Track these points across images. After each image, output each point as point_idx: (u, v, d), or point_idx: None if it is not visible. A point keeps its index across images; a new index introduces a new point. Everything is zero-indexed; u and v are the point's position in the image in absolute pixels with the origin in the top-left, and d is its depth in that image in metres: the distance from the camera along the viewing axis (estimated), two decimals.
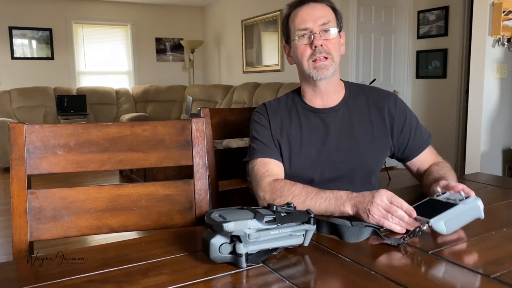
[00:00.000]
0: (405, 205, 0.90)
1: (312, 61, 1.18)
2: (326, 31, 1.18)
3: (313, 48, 1.17)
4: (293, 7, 1.22)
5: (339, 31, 1.22)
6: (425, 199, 0.98)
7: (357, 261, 0.77)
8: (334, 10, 1.22)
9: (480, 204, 0.91)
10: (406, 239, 0.83)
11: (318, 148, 1.23)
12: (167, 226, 1.10)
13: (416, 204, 0.95)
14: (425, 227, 0.85)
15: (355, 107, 1.26)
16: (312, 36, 1.17)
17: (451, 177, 1.13)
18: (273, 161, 1.21)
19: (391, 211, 0.90)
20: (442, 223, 0.87)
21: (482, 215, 0.91)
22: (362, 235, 0.87)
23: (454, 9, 4.43)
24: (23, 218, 1.00)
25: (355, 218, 0.95)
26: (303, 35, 1.18)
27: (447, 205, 0.90)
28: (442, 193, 0.97)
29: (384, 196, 0.91)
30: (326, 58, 1.17)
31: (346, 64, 4.60)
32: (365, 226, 0.89)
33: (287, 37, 1.26)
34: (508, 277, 0.69)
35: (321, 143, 1.23)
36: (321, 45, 1.16)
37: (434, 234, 0.88)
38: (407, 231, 0.89)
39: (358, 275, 0.72)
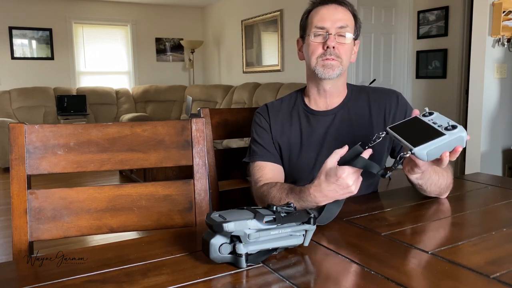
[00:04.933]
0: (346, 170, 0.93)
1: (321, 60, 1.18)
2: (341, 35, 1.18)
3: (325, 48, 1.17)
4: (316, 4, 1.22)
5: (355, 39, 1.22)
6: (412, 117, 0.95)
7: (357, 261, 0.77)
8: (355, 17, 1.22)
9: (464, 135, 0.87)
10: (393, 168, 0.91)
11: (317, 151, 1.23)
12: (167, 226, 1.10)
13: (403, 121, 0.96)
14: (408, 154, 0.88)
15: (355, 108, 1.25)
16: (327, 36, 1.17)
17: (439, 169, 1.08)
18: (270, 165, 1.22)
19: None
20: (424, 153, 0.86)
21: (464, 145, 0.89)
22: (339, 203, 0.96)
23: (454, 9, 4.42)
24: (23, 218, 1.00)
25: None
26: (318, 34, 1.18)
27: (433, 133, 0.88)
28: (429, 113, 0.94)
29: (341, 178, 0.92)
30: (334, 59, 1.17)
31: None
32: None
33: (302, 32, 1.25)
34: (508, 277, 0.69)
35: (320, 146, 1.23)
36: (333, 47, 1.16)
37: (436, 233, 0.88)
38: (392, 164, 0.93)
39: (358, 275, 0.72)
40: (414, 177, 1.04)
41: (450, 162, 0.92)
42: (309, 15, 1.23)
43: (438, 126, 0.89)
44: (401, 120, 0.97)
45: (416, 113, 0.96)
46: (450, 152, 0.88)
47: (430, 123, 0.90)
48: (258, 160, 1.22)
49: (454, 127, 0.87)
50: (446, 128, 0.87)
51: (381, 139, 0.95)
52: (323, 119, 1.25)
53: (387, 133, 0.95)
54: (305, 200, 0.99)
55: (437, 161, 0.90)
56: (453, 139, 0.86)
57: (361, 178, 0.95)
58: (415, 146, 0.86)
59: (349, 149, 0.96)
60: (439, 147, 0.87)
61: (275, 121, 1.27)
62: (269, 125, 1.26)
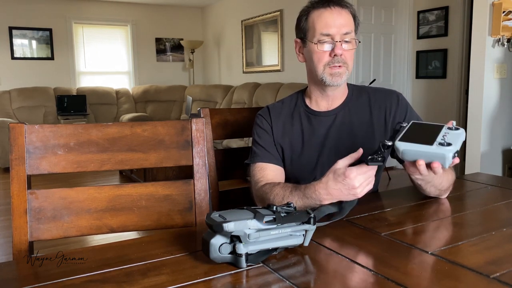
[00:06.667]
0: (354, 171, 0.93)
1: (329, 68, 1.17)
2: (346, 40, 1.16)
3: (332, 56, 1.16)
4: (317, 6, 1.18)
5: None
6: (439, 124, 0.93)
7: (357, 261, 0.77)
8: (355, 18, 1.20)
9: (447, 155, 0.85)
10: (378, 155, 0.90)
11: (318, 151, 1.23)
12: (167, 226, 1.10)
13: (430, 123, 0.95)
14: (389, 142, 0.89)
15: (356, 108, 1.26)
16: (334, 44, 1.15)
17: (443, 173, 1.07)
18: (271, 166, 1.22)
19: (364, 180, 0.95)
20: (401, 149, 0.88)
21: (445, 166, 0.87)
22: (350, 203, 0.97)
23: (454, 9, 4.43)
24: (23, 218, 1.00)
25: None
26: (324, 41, 1.16)
27: (426, 140, 0.88)
28: (456, 128, 0.91)
29: (348, 178, 0.93)
30: (341, 66, 1.17)
31: None
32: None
33: (303, 34, 1.22)
34: (508, 277, 0.69)
35: (322, 146, 1.23)
36: (340, 55, 1.15)
37: (436, 233, 0.88)
38: (377, 150, 0.92)
39: (358, 275, 0.72)
40: (414, 177, 1.04)
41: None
42: (308, 17, 1.19)
43: (440, 138, 0.88)
44: (434, 123, 0.96)
45: (450, 123, 0.94)
46: (429, 166, 0.89)
47: (441, 134, 0.89)
48: (259, 162, 1.22)
49: (448, 144, 0.86)
50: (440, 143, 0.87)
51: (404, 127, 0.94)
52: (324, 120, 1.25)
53: (413, 123, 0.95)
54: (309, 197, 1.00)
55: (415, 168, 0.91)
56: (434, 153, 0.86)
57: (370, 186, 0.95)
58: (400, 141, 0.88)
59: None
60: (416, 152, 0.87)
61: (276, 123, 1.27)
62: (271, 127, 1.27)
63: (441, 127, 0.91)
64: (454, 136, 0.88)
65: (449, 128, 0.91)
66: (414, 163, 0.91)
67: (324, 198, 0.98)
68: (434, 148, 0.86)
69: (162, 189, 1.11)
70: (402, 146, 0.88)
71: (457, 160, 0.88)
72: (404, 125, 0.94)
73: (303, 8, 1.22)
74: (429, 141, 0.87)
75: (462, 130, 0.91)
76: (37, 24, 6.36)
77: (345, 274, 0.73)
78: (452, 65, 4.50)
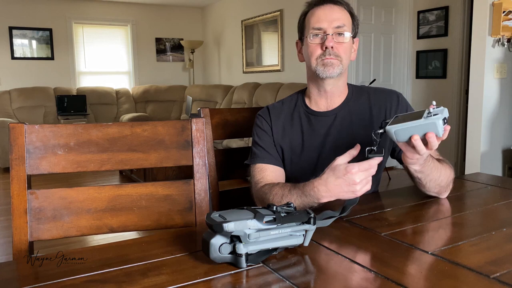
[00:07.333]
0: (356, 167, 0.94)
1: (321, 60, 1.18)
2: (339, 34, 1.18)
3: (324, 48, 1.17)
4: (311, 6, 1.22)
5: (353, 37, 1.22)
6: (422, 110, 0.95)
7: (357, 261, 0.77)
8: (352, 15, 1.22)
9: (438, 123, 0.88)
10: (374, 147, 0.93)
11: (318, 151, 1.23)
12: (167, 226, 1.10)
13: (413, 112, 0.98)
14: (380, 130, 0.92)
15: (356, 108, 1.26)
16: (325, 37, 1.17)
17: (442, 167, 1.09)
18: (271, 167, 1.22)
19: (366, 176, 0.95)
20: (393, 131, 0.91)
21: (439, 133, 0.89)
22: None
23: (454, 9, 4.43)
24: (23, 218, 1.00)
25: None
26: (316, 35, 1.18)
27: (413, 118, 0.91)
28: (437, 107, 0.92)
29: (350, 173, 0.94)
30: (334, 58, 1.18)
31: None
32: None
33: (301, 34, 1.26)
34: (508, 277, 0.69)
35: (322, 146, 1.23)
36: (332, 47, 1.17)
37: (436, 233, 0.88)
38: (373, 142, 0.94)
39: (358, 275, 0.72)
40: (413, 170, 1.04)
41: (450, 161, 0.92)
42: (305, 17, 1.23)
43: (426, 114, 0.90)
44: (419, 110, 0.98)
45: (431, 106, 0.95)
46: (424, 140, 0.91)
47: (425, 112, 0.91)
48: (259, 162, 1.22)
49: (435, 114, 0.88)
50: (427, 116, 0.89)
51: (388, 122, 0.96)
52: (324, 120, 1.25)
53: (397, 117, 0.97)
54: (308, 194, 1.00)
55: (412, 147, 0.93)
56: (424, 124, 0.88)
57: (369, 186, 0.96)
58: (390, 125, 0.90)
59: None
60: (408, 129, 0.90)
61: (276, 123, 1.27)
62: (271, 128, 1.27)
63: (423, 110, 0.94)
64: (438, 110, 0.91)
65: (433, 109, 0.93)
66: (409, 145, 0.93)
67: (323, 195, 0.98)
68: (423, 120, 0.89)
69: (162, 189, 1.11)
70: (394, 128, 0.90)
71: (448, 127, 0.90)
72: (387, 121, 0.96)
73: (302, 11, 1.25)
74: (416, 119, 0.90)
75: (444, 107, 0.93)
76: (37, 24, 6.36)
77: (345, 274, 0.73)
78: (452, 65, 4.50)
